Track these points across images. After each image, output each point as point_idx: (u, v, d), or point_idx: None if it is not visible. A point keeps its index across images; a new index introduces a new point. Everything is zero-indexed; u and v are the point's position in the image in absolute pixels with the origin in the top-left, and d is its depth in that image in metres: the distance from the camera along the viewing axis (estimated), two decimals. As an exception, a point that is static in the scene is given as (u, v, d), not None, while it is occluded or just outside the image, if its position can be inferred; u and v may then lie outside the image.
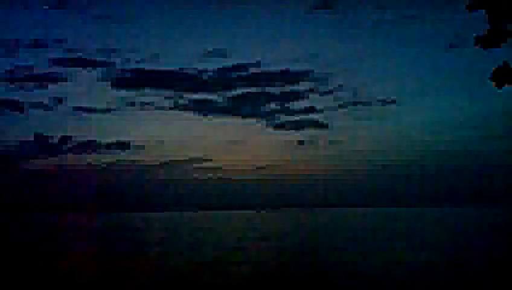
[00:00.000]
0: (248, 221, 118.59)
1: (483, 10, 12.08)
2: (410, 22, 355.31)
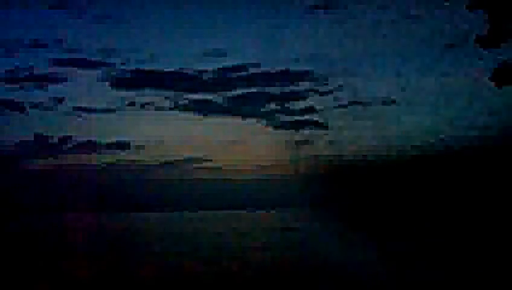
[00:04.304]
0: (248, 221, 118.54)
1: (483, 10, 12.02)
2: (410, 22, 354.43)
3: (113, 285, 24.00)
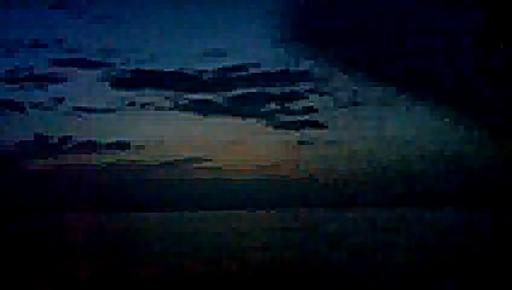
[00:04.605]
0: (248, 221, 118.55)
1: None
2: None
3: (113, 285, 24.00)
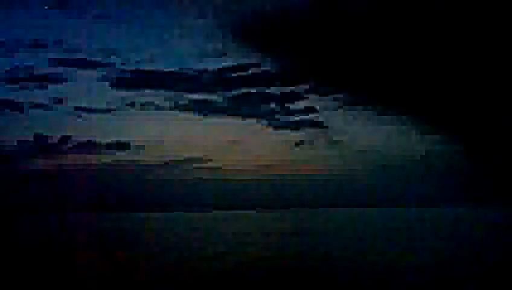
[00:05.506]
0: (248, 221, 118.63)
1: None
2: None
3: (112, 285, 24.03)
